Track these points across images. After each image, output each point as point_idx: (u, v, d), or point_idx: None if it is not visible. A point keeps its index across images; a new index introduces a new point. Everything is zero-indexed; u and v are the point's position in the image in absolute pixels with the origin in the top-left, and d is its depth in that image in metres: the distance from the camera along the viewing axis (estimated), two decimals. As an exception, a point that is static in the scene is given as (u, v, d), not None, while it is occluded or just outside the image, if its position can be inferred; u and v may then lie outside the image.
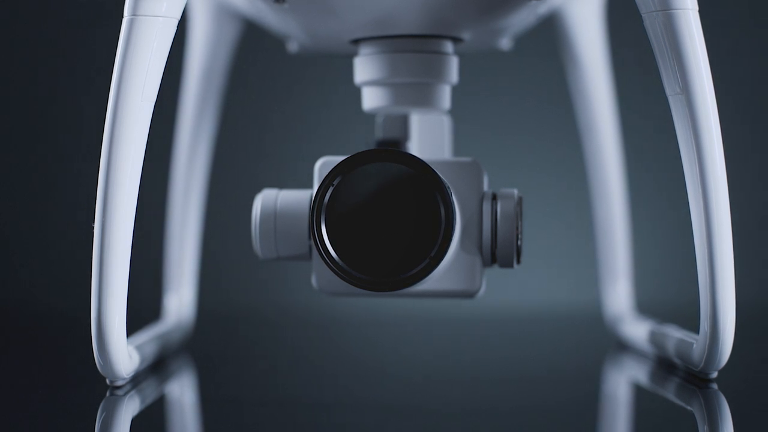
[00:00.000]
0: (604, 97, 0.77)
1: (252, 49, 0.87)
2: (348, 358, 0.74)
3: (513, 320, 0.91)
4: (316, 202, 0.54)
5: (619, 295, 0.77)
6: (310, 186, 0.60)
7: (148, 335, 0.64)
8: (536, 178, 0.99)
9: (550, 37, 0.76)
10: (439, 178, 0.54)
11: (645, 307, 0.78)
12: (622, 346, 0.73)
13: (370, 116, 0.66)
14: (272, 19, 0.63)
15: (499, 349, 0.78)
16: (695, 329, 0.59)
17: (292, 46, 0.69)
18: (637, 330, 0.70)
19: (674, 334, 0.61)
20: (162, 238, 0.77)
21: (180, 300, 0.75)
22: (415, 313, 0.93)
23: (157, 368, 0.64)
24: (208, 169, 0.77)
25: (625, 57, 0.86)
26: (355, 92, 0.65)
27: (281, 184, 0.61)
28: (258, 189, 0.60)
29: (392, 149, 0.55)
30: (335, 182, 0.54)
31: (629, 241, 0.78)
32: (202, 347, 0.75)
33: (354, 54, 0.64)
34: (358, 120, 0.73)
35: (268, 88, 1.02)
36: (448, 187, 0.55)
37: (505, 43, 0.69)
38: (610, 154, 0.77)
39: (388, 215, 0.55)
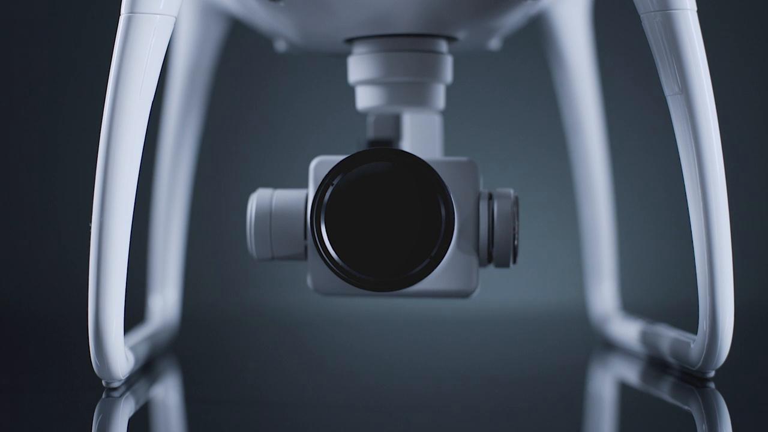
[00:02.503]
0: (589, 97, 0.77)
1: (245, 47, 0.87)
2: (338, 359, 0.74)
3: (499, 321, 0.91)
4: (316, 202, 0.54)
5: (604, 295, 0.77)
6: (303, 185, 0.59)
7: (139, 336, 0.63)
8: (521, 178, 0.99)
9: (538, 37, 0.76)
10: (439, 177, 0.54)
11: (629, 306, 0.78)
12: (608, 346, 0.73)
13: (365, 116, 0.65)
14: (264, 18, 0.62)
15: (485, 350, 0.78)
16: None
17: (280, 45, 0.69)
18: (625, 329, 0.70)
19: (668, 333, 0.61)
20: (146, 239, 0.76)
21: (164, 301, 0.74)
22: (403, 314, 0.93)
23: (146, 370, 0.63)
24: (193, 168, 0.76)
25: (612, 57, 0.86)
26: (350, 91, 0.65)
27: (272, 184, 0.61)
28: (246, 189, 0.60)
29: (392, 149, 0.55)
30: (335, 182, 0.54)
31: (614, 241, 0.78)
32: (191, 348, 0.75)
33: (345, 53, 0.63)
34: (353, 120, 0.72)
35: (262, 88, 1.01)
36: (447, 187, 0.54)
37: (495, 43, 0.69)
38: (596, 154, 0.77)
39: (388, 215, 0.54)
